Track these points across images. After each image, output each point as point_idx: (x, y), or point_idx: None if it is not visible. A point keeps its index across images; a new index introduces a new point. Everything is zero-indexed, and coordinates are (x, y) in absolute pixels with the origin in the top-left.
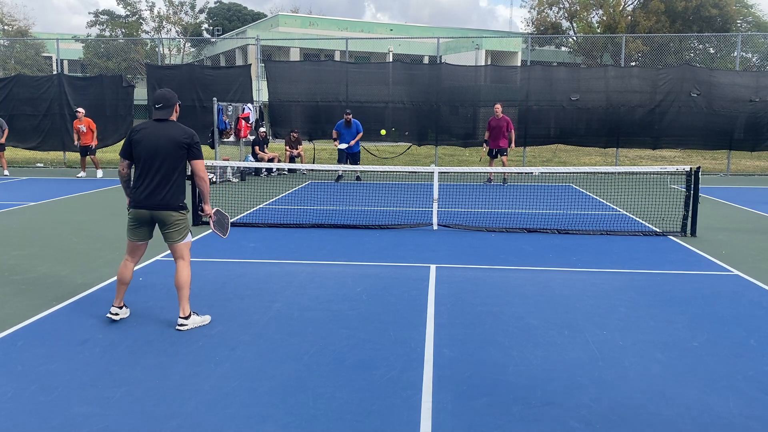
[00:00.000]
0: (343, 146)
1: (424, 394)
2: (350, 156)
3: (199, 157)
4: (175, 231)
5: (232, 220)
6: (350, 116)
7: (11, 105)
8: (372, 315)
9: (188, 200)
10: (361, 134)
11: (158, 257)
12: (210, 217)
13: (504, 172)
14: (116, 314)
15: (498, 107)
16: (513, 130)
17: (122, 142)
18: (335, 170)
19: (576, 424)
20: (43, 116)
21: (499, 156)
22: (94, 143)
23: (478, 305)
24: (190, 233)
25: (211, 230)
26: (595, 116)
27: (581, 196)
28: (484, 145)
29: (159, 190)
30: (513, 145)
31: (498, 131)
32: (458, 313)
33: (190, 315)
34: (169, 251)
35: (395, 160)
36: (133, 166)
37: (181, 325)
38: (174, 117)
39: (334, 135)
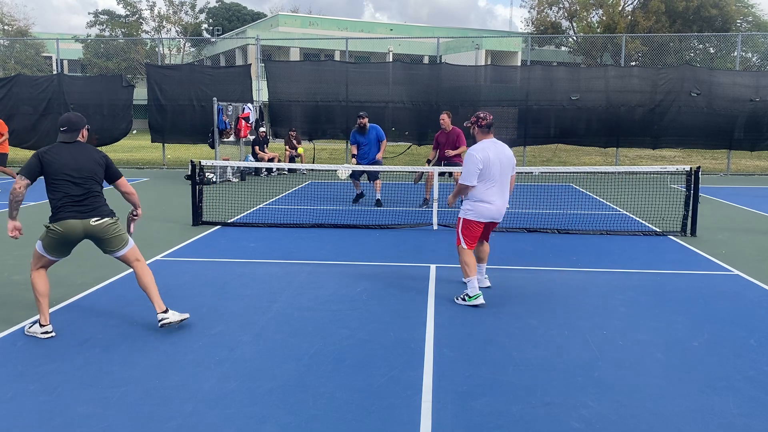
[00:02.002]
0: (344, 172)
1: (424, 394)
2: (368, 171)
3: (120, 173)
4: (116, 237)
5: (231, 220)
6: (365, 120)
7: (11, 105)
8: (372, 315)
9: (188, 202)
10: (385, 143)
11: (158, 257)
12: (139, 217)
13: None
14: (52, 331)
15: (444, 118)
16: (464, 145)
17: (120, 143)
18: (335, 171)
19: (576, 424)
20: (43, 116)
21: (451, 174)
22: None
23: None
24: (129, 236)
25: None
26: (595, 116)
27: (581, 196)
28: (427, 164)
29: (89, 203)
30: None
31: (450, 148)
32: (458, 313)
33: (167, 309)
34: (171, 250)
35: (395, 160)
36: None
37: (164, 318)
38: (83, 140)
39: (353, 150)
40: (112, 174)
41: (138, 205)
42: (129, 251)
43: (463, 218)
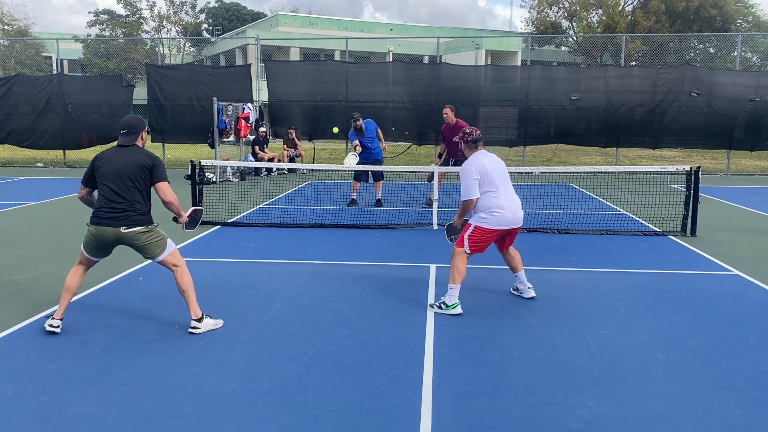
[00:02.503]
0: (353, 160)
1: (424, 394)
2: (374, 171)
3: (164, 178)
4: (151, 245)
5: (231, 220)
6: (359, 122)
7: (10, 104)
8: (372, 315)
9: (188, 202)
10: (380, 133)
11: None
12: (184, 221)
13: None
14: (58, 327)
15: (447, 112)
16: None
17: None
18: (339, 170)
19: (576, 424)
20: (43, 116)
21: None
22: None
23: (478, 305)
24: (169, 241)
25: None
26: (595, 116)
27: (581, 196)
28: (437, 159)
29: (123, 209)
30: None
31: (455, 144)
32: None
33: (202, 317)
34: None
35: (395, 160)
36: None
37: (194, 327)
38: (140, 143)
39: (356, 145)
40: (154, 177)
41: (178, 214)
42: (167, 257)
43: (476, 225)
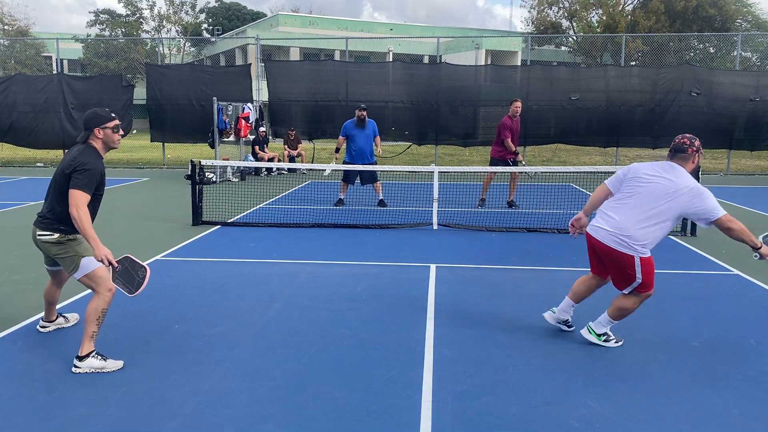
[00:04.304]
0: (328, 170)
1: (424, 394)
2: (365, 172)
3: (76, 186)
4: (62, 260)
5: (231, 220)
6: (365, 112)
7: (10, 104)
8: (372, 315)
9: (188, 202)
10: (378, 139)
11: (158, 257)
12: (112, 265)
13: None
14: (44, 327)
15: (518, 105)
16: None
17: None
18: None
19: (576, 424)
20: (43, 116)
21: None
22: None
23: (478, 305)
24: (85, 261)
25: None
26: (595, 116)
27: (581, 196)
28: (521, 157)
29: (44, 211)
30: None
31: (516, 135)
32: (458, 313)
33: (87, 356)
34: (171, 250)
35: (395, 160)
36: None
37: (74, 366)
38: (98, 143)
39: (340, 141)
40: (70, 182)
41: (85, 236)
42: (82, 278)
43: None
